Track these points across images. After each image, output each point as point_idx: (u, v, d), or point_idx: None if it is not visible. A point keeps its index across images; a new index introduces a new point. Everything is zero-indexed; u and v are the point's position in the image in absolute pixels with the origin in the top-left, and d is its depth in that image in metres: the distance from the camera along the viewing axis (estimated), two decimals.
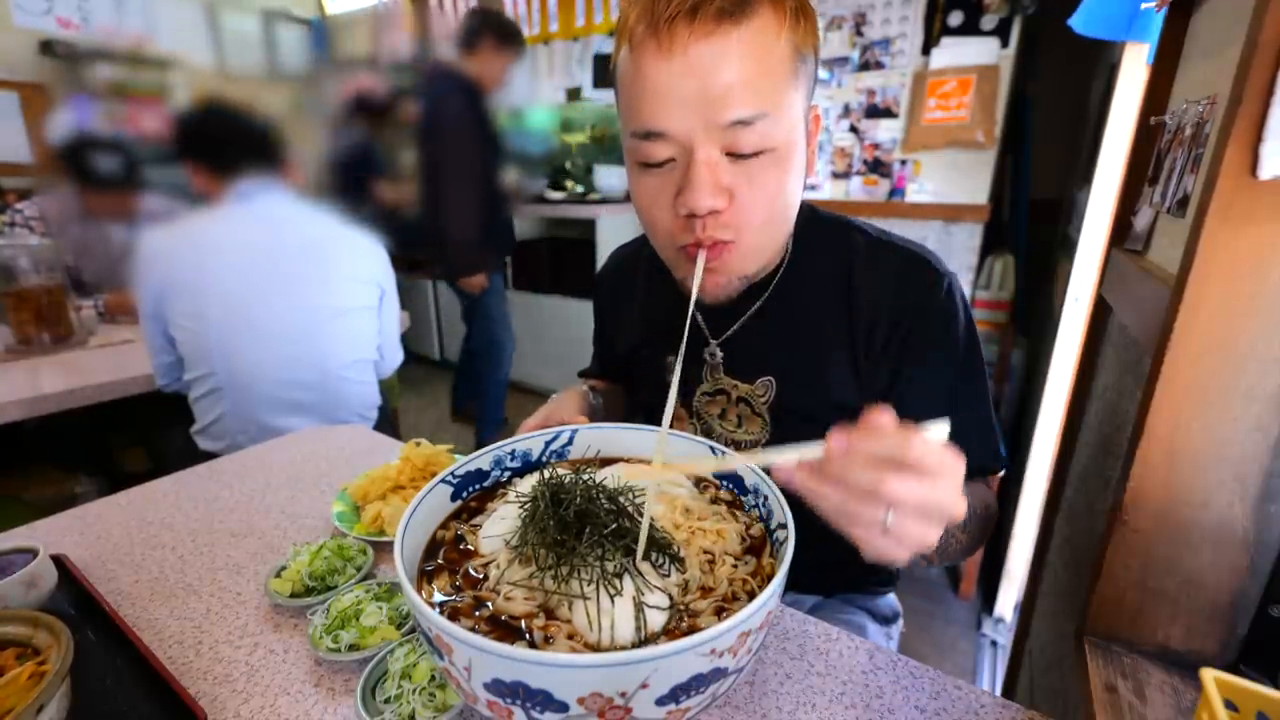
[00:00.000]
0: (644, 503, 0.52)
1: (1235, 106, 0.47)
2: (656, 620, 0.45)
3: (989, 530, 0.72)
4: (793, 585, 0.88)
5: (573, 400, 0.82)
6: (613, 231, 3.16)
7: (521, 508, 0.52)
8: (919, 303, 0.69)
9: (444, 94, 2.26)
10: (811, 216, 0.76)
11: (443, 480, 0.58)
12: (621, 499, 0.51)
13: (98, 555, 0.76)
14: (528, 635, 0.44)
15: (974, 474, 0.75)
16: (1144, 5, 1.03)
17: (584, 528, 0.48)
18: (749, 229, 0.62)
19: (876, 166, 2.41)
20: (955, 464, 0.41)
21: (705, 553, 0.52)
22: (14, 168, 2.99)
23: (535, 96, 3.72)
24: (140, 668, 0.56)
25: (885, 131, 2.36)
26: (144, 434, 1.71)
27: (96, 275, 1.98)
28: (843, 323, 0.71)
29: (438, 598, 0.48)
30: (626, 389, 0.97)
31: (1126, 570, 0.57)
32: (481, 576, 0.50)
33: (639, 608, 0.44)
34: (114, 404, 1.39)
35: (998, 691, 0.99)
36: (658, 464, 0.55)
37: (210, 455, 1.15)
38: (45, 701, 0.44)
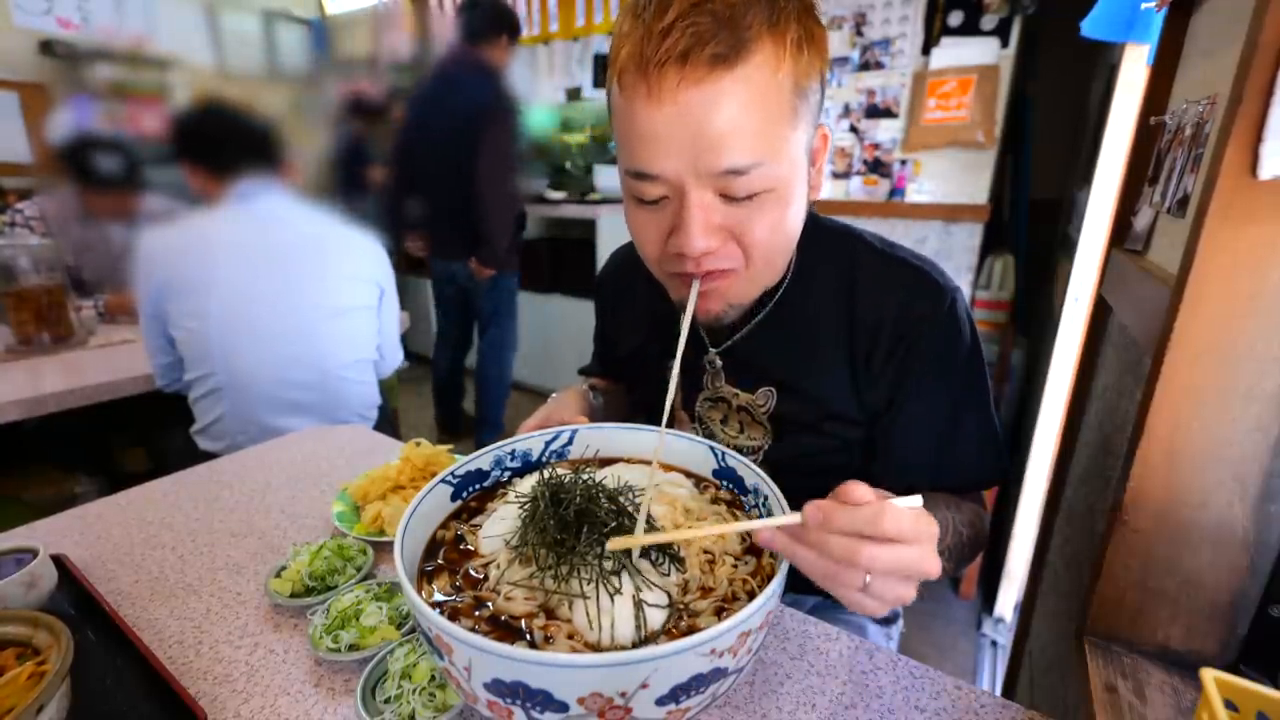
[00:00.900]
0: (643, 502, 0.52)
1: (1235, 106, 0.47)
2: (656, 619, 0.45)
3: (978, 550, 0.71)
4: (793, 585, 0.87)
5: (573, 400, 0.82)
6: (613, 231, 3.16)
7: (521, 508, 0.52)
8: (922, 318, 0.68)
9: (476, 82, 2.28)
10: (815, 226, 0.74)
11: (443, 480, 0.58)
12: (621, 499, 0.51)
13: (98, 555, 0.76)
14: (528, 635, 0.44)
15: (975, 486, 0.74)
16: (1144, 5, 1.03)
17: (584, 527, 0.48)
18: (745, 262, 0.61)
19: (876, 166, 2.41)
20: (929, 530, 0.44)
21: (705, 553, 0.52)
22: (14, 168, 2.99)
23: (535, 96, 3.72)
24: (140, 668, 0.56)
25: (885, 131, 2.36)
26: (144, 434, 1.71)
27: (96, 275, 1.98)
28: (844, 336, 0.71)
29: (438, 598, 0.48)
30: (627, 388, 0.97)
31: (1126, 570, 0.57)
32: (481, 576, 0.50)
33: (638, 606, 0.45)
34: (114, 404, 1.39)
35: (998, 691, 0.99)
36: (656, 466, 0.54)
37: (210, 455, 1.15)
38: (45, 701, 0.44)
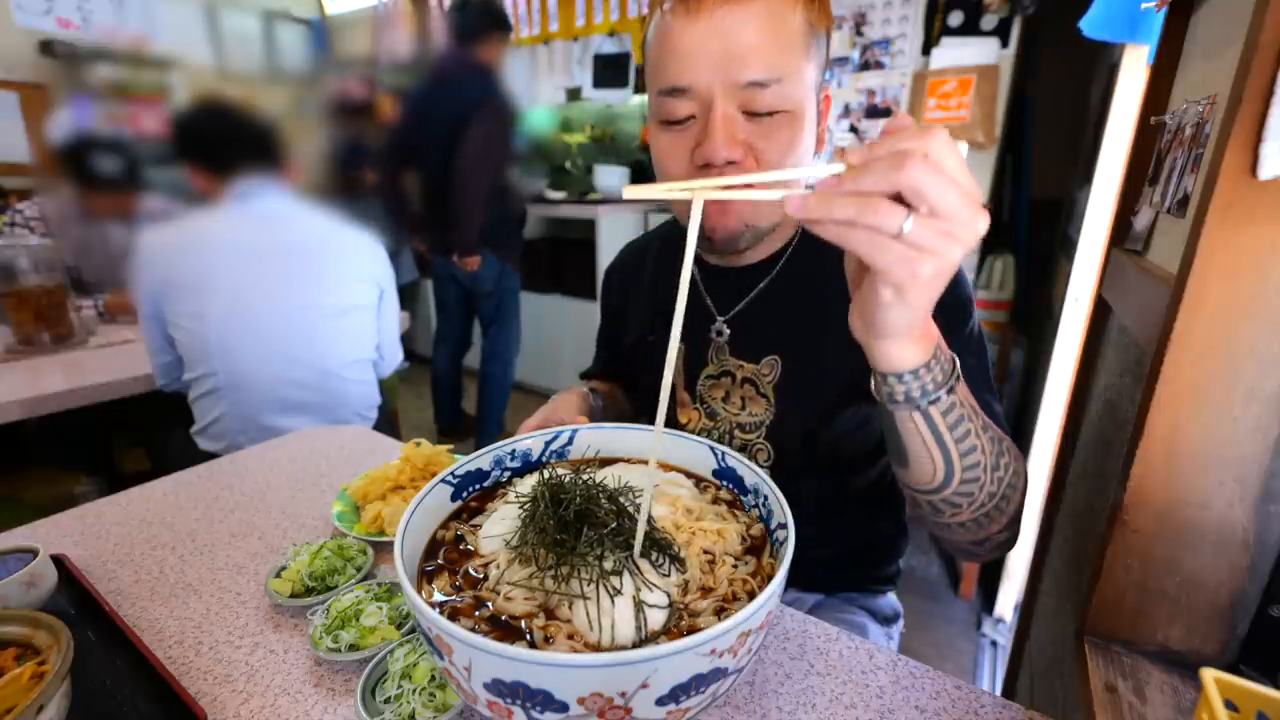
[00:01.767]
0: (643, 501, 0.52)
1: (1235, 106, 0.47)
2: (656, 619, 0.45)
3: (1021, 487, 0.62)
4: (793, 585, 0.88)
5: (572, 401, 0.82)
6: (613, 231, 3.16)
7: (521, 508, 0.52)
8: None
9: (471, 82, 2.29)
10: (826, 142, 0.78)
11: (443, 480, 0.58)
12: (621, 499, 0.51)
13: (98, 555, 0.76)
14: (528, 635, 0.44)
15: None
16: (1144, 5, 1.03)
17: (584, 528, 0.48)
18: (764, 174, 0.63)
19: None
20: (977, 189, 0.39)
21: (705, 553, 0.52)
22: (14, 168, 2.99)
23: (535, 96, 3.72)
24: (140, 668, 0.56)
25: None
26: (144, 434, 1.71)
27: (96, 275, 1.98)
28: (848, 302, 0.70)
29: (438, 598, 0.48)
30: (628, 389, 0.97)
31: (1126, 570, 0.57)
32: (481, 576, 0.50)
33: (639, 607, 0.44)
34: (114, 404, 1.39)
35: (998, 691, 0.99)
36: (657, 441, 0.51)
37: (210, 455, 1.15)
38: (45, 701, 0.44)
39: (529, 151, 3.40)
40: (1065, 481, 1.07)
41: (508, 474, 0.65)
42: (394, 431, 1.53)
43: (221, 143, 1.30)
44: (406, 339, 1.67)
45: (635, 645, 0.43)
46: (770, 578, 0.47)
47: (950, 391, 0.50)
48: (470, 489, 0.61)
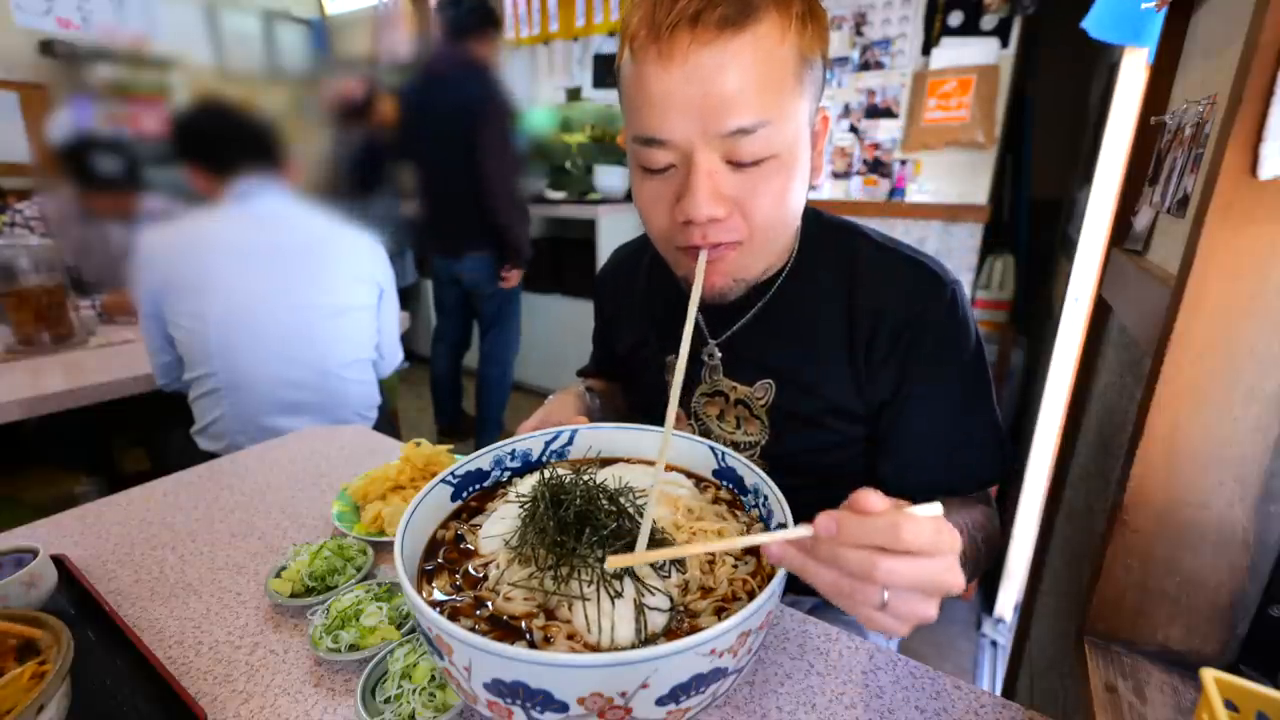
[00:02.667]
0: (644, 503, 0.52)
1: (1235, 106, 0.47)
2: (657, 621, 0.45)
3: (994, 553, 0.70)
4: (793, 585, 0.88)
5: (570, 401, 0.82)
6: (613, 231, 3.16)
7: (521, 508, 0.52)
8: (923, 311, 0.68)
9: (466, 79, 2.28)
10: (816, 220, 0.75)
11: (443, 480, 0.58)
12: (622, 499, 0.51)
13: (98, 555, 0.76)
14: (528, 635, 0.44)
15: (984, 484, 0.74)
16: (1144, 5, 1.03)
17: (584, 528, 0.48)
18: (750, 234, 0.61)
19: (876, 166, 2.41)
20: (951, 540, 0.41)
21: (706, 553, 0.52)
22: (14, 168, 2.99)
23: (535, 96, 3.72)
24: (140, 668, 0.56)
25: (885, 131, 2.36)
26: (144, 434, 1.71)
27: (96, 275, 1.98)
28: (843, 328, 0.71)
29: (438, 597, 0.48)
30: (625, 388, 0.97)
31: (1126, 570, 0.57)
32: (481, 576, 0.50)
33: (639, 609, 0.44)
34: (114, 404, 1.39)
35: (998, 691, 0.99)
36: (661, 465, 0.53)
37: (210, 455, 1.15)
38: (45, 701, 0.44)
39: (529, 151, 3.40)
40: (1065, 481, 1.07)
41: (508, 474, 0.65)
42: (394, 431, 1.53)
43: (221, 143, 1.30)
44: (406, 339, 1.67)
45: (635, 645, 0.43)
46: (770, 578, 0.47)
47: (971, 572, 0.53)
48: (470, 489, 0.61)
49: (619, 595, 0.45)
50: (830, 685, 0.55)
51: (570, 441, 0.68)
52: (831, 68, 2.41)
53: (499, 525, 0.53)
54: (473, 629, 0.43)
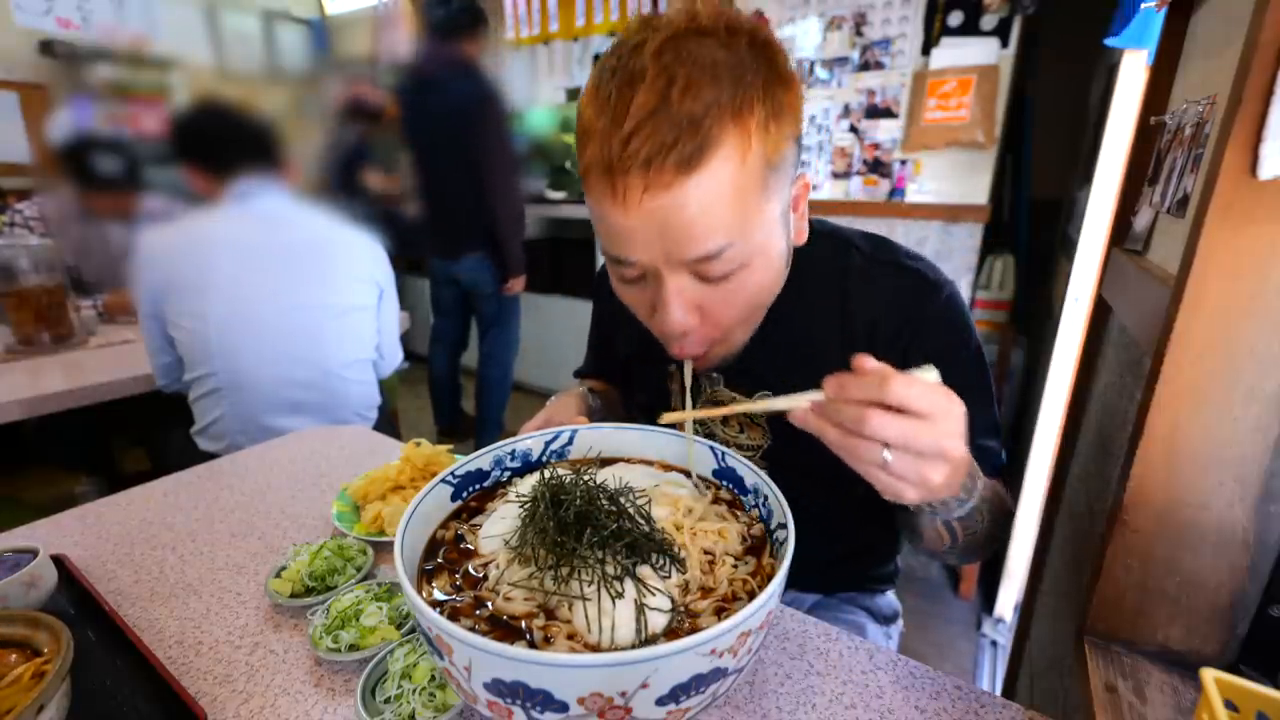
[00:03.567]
0: (645, 503, 0.52)
1: (1235, 106, 0.47)
2: (658, 622, 0.45)
3: (1007, 524, 0.70)
4: (793, 584, 0.88)
5: (572, 403, 0.81)
6: None
7: (521, 508, 0.52)
8: (917, 316, 0.68)
9: (459, 79, 2.28)
10: (808, 234, 0.75)
11: (443, 480, 0.58)
12: (622, 499, 0.51)
13: (98, 555, 0.76)
14: (528, 635, 0.44)
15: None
16: (1144, 5, 1.03)
17: (584, 528, 0.48)
18: (727, 333, 0.63)
19: (876, 166, 2.41)
20: (948, 405, 0.43)
21: (706, 553, 0.52)
22: (14, 168, 2.99)
23: (535, 96, 3.72)
24: (140, 668, 0.56)
25: (885, 131, 2.36)
26: (144, 434, 1.71)
27: (96, 275, 1.98)
28: (838, 341, 0.71)
29: (438, 597, 0.48)
30: (625, 390, 0.96)
31: (1126, 570, 0.57)
32: (481, 576, 0.50)
33: (640, 610, 0.44)
34: (114, 404, 1.39)
35: (998, 691, 0.99)
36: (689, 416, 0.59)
37: (210, 455, 1.15)
38: (45, 701, 0.44)
39: (529, 151, 3.40)
40: (1065, 481, 1.07)
41: (508, 474, 0.65)
42: (394, 431, 1.53)
43: (221, 143, 1.31)
44: (406, 339, 1.67)
45: (635, 646, 0.43)
46: (770, 577, 0.47)
47: (966, 501, 0.54)
48: (470, 489, 0.61)
49: (619, 595, 0.45)
50: (830, 685, 0.56)
51: (570, 441, 0.68)
52: (831, 68, 2.41)
53: (499, 525, 0.53)
54: (473, 629, 0.43)
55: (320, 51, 4.14)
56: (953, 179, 2.27)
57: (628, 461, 0.66)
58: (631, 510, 0.51)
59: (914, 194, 2.34)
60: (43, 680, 0.45)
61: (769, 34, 0.55)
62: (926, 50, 2.22)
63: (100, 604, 0.64)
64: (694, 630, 0.42)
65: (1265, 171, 0.45)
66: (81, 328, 1.65)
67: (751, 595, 0.48)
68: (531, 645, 0.43)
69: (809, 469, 0.75)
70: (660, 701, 0.38)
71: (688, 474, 0.64)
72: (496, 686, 0.37)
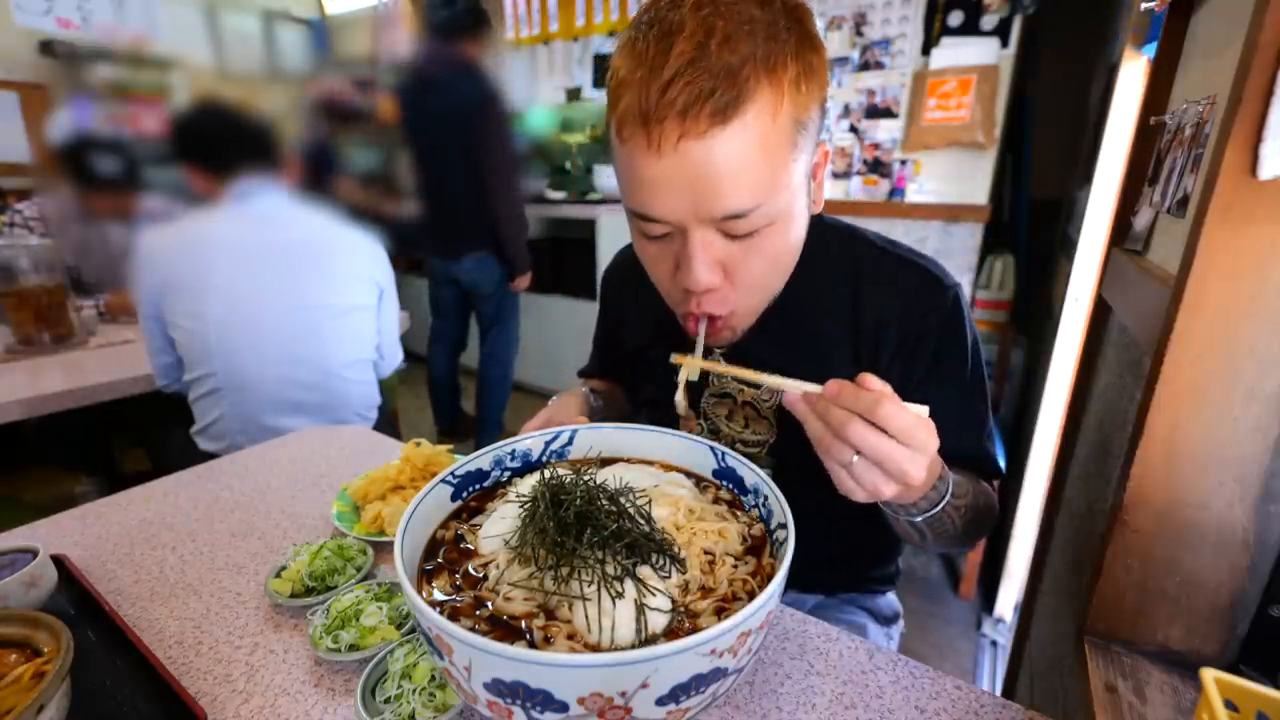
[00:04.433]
0: (645, 503, 0.52)
1: (1235, 106, 0.47)
2: (658, 622, 0.45)
3: (987, 525, 0.72)
4: (793, 584, 0.88)
5: (573, 403, 0.81)
6: (613, 231, 3.16)
7: (521, 508, 0.52)
8: (925, 317, 0.69)
9: (460, 79, 2.27)
10: (817, 225, 0.74)
11: (443, 480, 0.58)
12: (622, 500, 0.51)
13: (98, 555, 0.76)
14: (528, 635, 0.44)
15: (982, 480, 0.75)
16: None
17: (584, 528, 0.48)
18: (747, 296, 0.63)
19: (876, 166, 2.41)
20: (925, 440, 0.48)
21: (706, 553, 0.52)
22: (14, 168, 2.99)
23: (535, 96, 3.72)
24: (140, 668, 0.56)
25: (885, 131, 2.36)
26: (144, 434, 1.71)
27: (96, 275, 1.98)
28: (848, 333, 0.71)
29: (438, 597, 0.48)
30: (627, 387, 0.96)
31: (1126, 570, 0.57)
32: (481, 576, 0.50)
33: (640, 610, 0.44)
34: (114, 404, 1.39)
35: (998, 691, 0.99)
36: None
37: (210, 455, 1.15)
38: (45, 701, 0.44)
39: (529, 151, 3.40)
40: (1065, 481, 1.07)
41: (508, 474, 0.65)
42: (394, 431, 1.53)
43: (221, 143, 1.30)
44: (406, 339, 1.67)
45: (635, 646, 0.43)
46: (770, 577, 0.47)
47: (929, 510, 0.58)
48: (470, 489, 0.61)
49: (619, 596, 0.45)
50: (830, 685, 0.56)
51: (570, 441, 0.68)
52: (831, 68, 2.41)
53: (499, 525, 0.53)
54: (473, 629, 0.43)
55: (320, 52, 4.14)
56: (953, 179, 2.27)
57: (628, 461, 0.66)
58: (631, 510, 0.50)
59: (914, 194, 2.34)
60: (43, 680, 0.45)
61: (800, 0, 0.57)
62: (926, 50, 2.22)
63: (100, 604, 0.64)
64: (694, 630, 0.42)
65: (1265, 171, 0.45)
66: (82, 328, 1.65)
67: (751, 595, 0.48)
68: (531, 645, 0.43)
69: (813, 466, 0.75)
70: (660, 701, 0.38)
71: (688, 474, 0.64)
72: (496, 686, 0.37)
